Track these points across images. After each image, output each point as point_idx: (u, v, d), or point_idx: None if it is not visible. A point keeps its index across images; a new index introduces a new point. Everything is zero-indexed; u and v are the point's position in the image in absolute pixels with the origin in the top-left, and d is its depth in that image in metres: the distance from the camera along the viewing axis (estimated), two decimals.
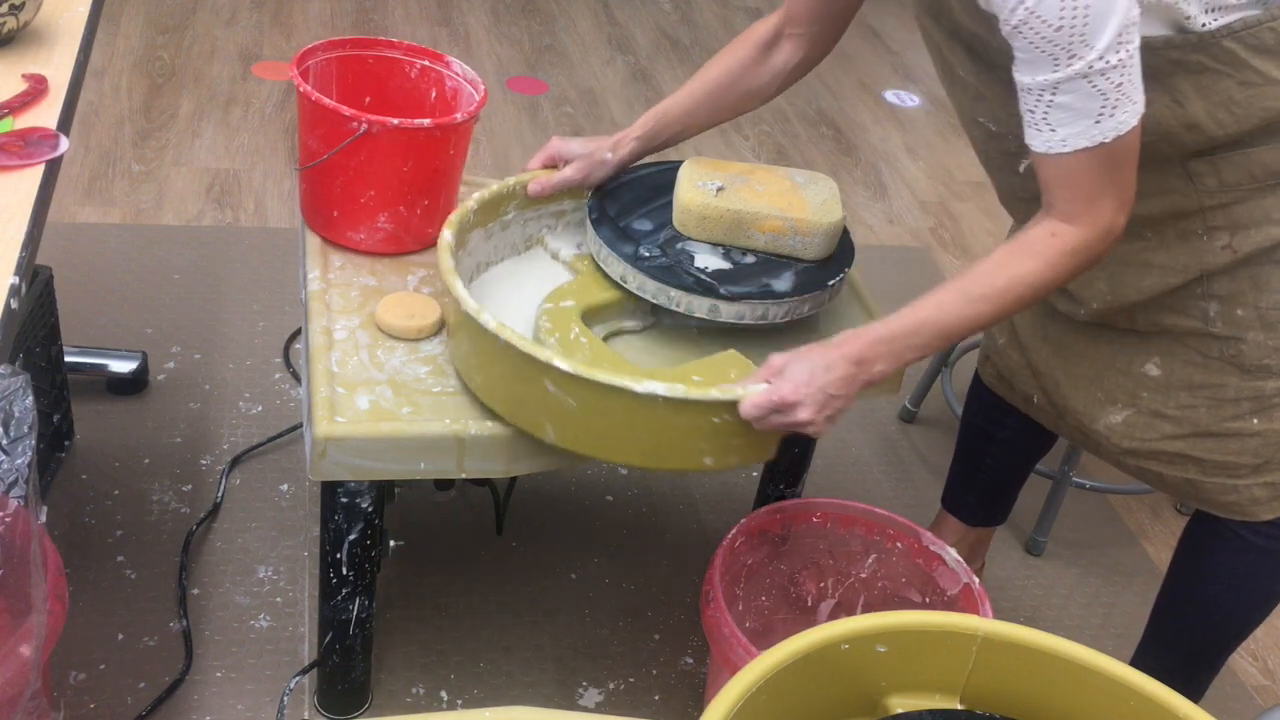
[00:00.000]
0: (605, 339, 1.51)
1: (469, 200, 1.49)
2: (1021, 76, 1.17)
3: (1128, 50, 1.13)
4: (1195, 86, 1.26)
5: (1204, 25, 1.23)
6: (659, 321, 1.57)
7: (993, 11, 1.17)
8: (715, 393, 1.28)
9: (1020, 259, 1.25)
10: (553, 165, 1.57)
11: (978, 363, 1.78)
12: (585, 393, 1.27)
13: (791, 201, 1.55)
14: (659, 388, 1.25)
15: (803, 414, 1.26)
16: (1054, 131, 1.18)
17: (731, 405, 1.28)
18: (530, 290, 1.55)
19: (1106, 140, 1.17)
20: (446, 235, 1.43)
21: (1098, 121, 1.16)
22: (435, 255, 1.63)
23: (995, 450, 1.85)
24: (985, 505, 1.92)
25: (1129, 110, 1.16)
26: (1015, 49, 1.16)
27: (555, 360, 1.26)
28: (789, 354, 1.30)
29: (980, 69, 1.34)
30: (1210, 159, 1.32)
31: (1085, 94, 1.14)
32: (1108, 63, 1.12)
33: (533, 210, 1.59)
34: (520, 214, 1.58)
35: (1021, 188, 1.45)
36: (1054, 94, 1.16)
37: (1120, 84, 1.14)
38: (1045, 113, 1.17)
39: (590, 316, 1.47)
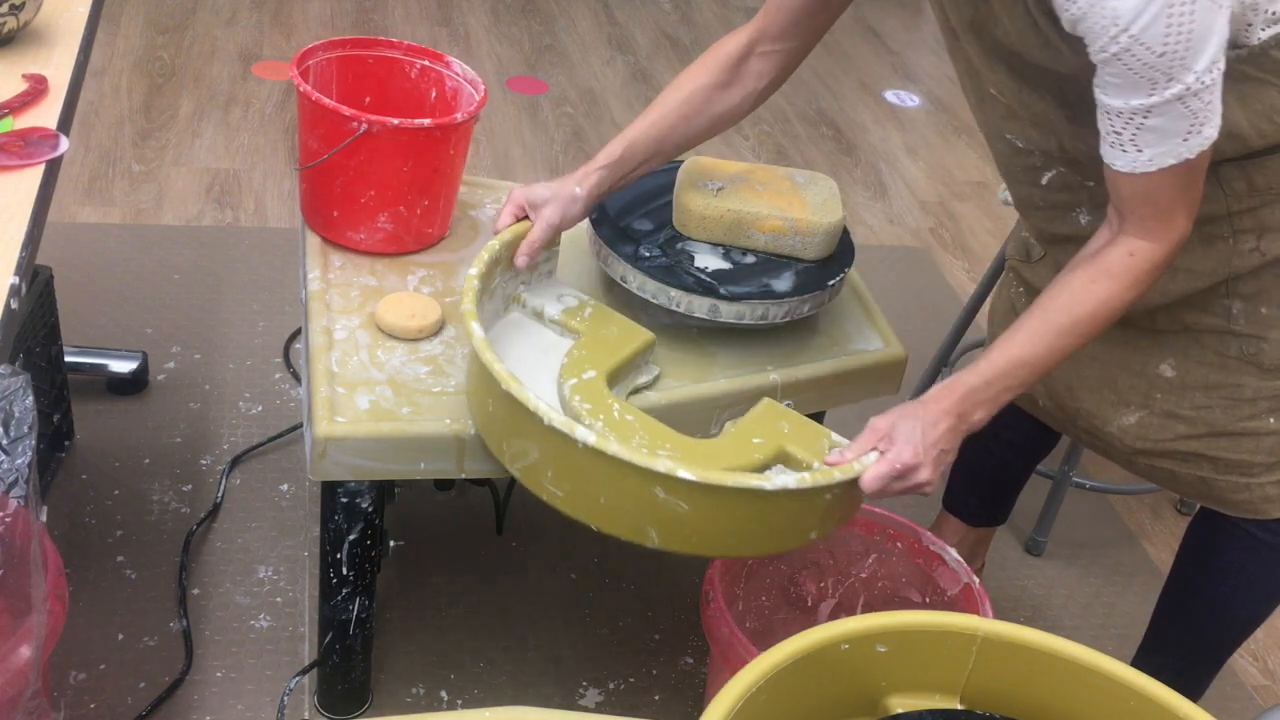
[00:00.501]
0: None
1: (471, 279, 1.35)
2: (1111, 100, 1.15)
3: (1219, 69, 1.11)
4: (1238, 96, 1.25)
5: (1258, 39, 1.22)
6: (658, 321, 1.57)
7: (1078, 34, 1.13)
8: (838, 474, 1.24)
9: (1102, 283, 1.24)
10: (522, 216, 1.45)
11: None
12: (703, 497, 1.20)
13: (791, 201, 1.56)
14: (789, 481, 1.21)
15: (924, 474, 1.24)
16: (1140, 152, 1.16)
17: (847, 481, 1.25)
18: (521, 354, 1.44)
19: (1191, 157, 1.16)
20: (478, 330, 1.28)
21: (1185, 140, 1.14)
22: (436, 256, 1.64)
23: (998, 451, 1.85)
24: (986, 505, 1.91)
25: (1213, 125, 1.15)
26: (1107, 74, 1.13)
27: (679, 471, 1.17)
28: (889, 416, 1.28)
29: (1020, 87, 1.32)
30: (1241, 164, 1.31)
31: (1177, 115, 1.13)
32: (1202, 83, 1.10)
33: (510, 270, 1.47)
34: (502, 277, 1.47)
35: (1041, 198, 1.44)
36: (1146, 117, 1.13)
37: (1210, 102, 1.13)
38: (1134, 135, 1.15)
39: (611, 381, 1.39)
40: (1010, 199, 2.02)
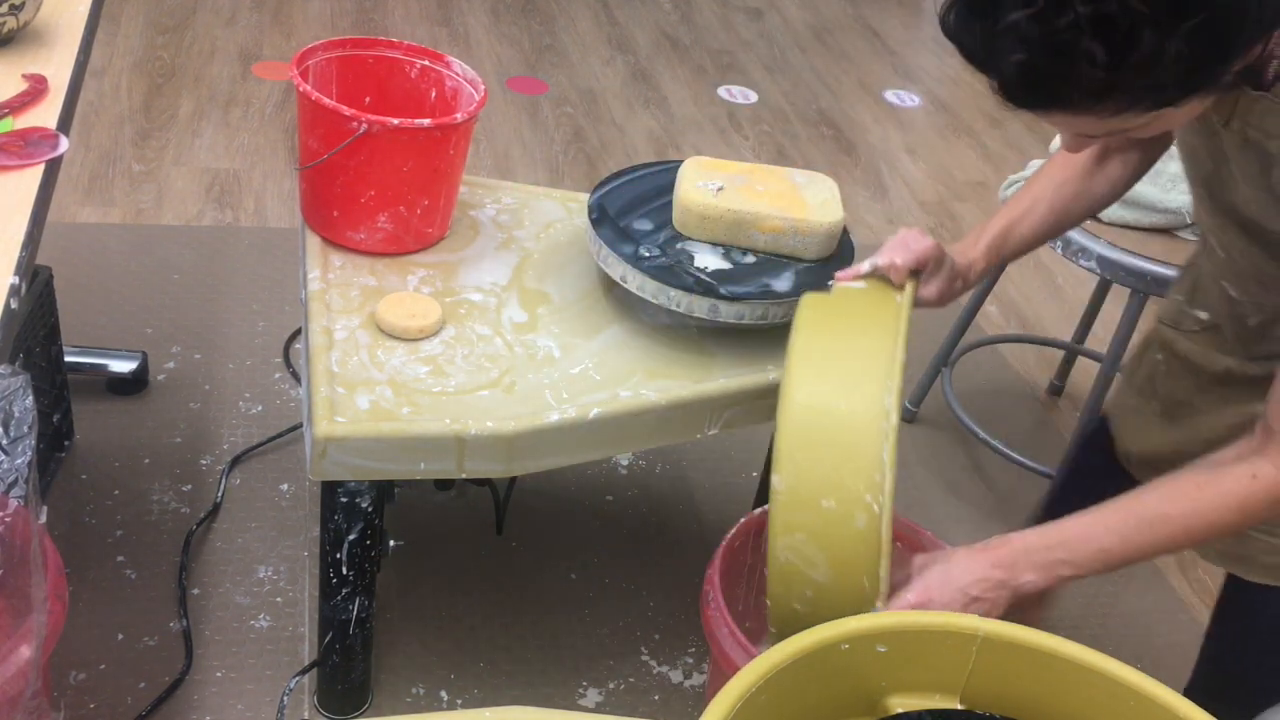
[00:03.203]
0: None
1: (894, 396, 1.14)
2: None
3: None
4: None
5: None
6: (658, 321, 1.57)
7: None
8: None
9: (1209, 494, 1.12)
10: (919, 268, 1.31)
11: (1104, 411, 1.66)
12: None
13: (791, 201, 1.56)
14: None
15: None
16: None
17: None
18: None
19: None
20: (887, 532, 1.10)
21: None
22: (436, 256, 1.64)
23: (1085, 501, 1.73)
24: None
25: None
26: None
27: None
28: (930, 556, 1.21)
29: (1249, 248, 1.24)
30: None
31: None
32: None
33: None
34: None
35: (1246, 331, 1.35)
36: None
37: None
38: None
39: None
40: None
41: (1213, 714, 1.59)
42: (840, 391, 1.17)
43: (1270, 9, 0.92)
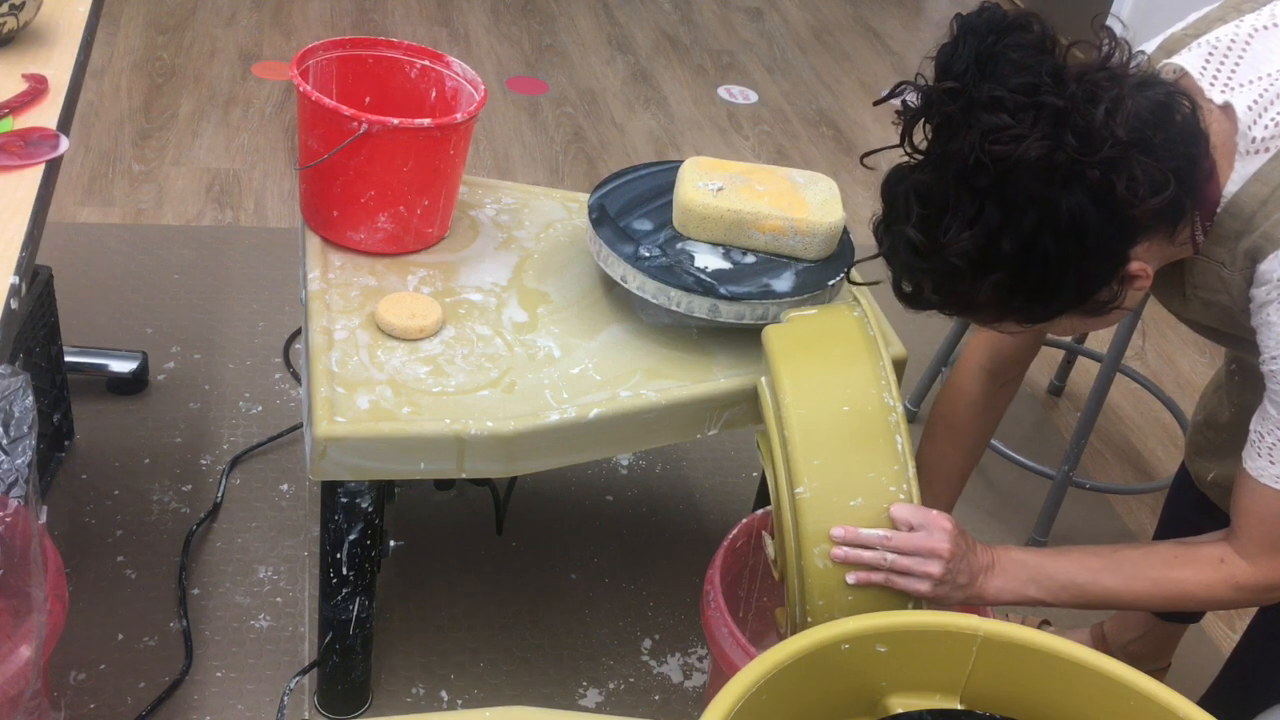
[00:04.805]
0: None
1: None
2: (1270, 407, 1.13)
3: None
4: None
5: None
6: (658, 321, 1.57)
7: (1254, 330, 1.12)
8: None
9: (1183, 565, 1.19)
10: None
11: (1185, 455, 1.68)
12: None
13: (791, 201, 1.56)
14: None
15: (933, 567, 1.17)
16: (1272, 464, 1.13)
17: None
18: None
19: None
20: None
21: None
22: (436, 256, 1.64)
23: None
24: None
25: None
26: (1270, 383, 1.12)
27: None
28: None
29: (1238, 347, 1.29)
30: None
31: None
32: None
33: None
34: None
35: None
36: None
37: None
38: (1274, 444, 1.12)
39: None
40: None
41: (1235, 713, 1.58)
42: (839, 397, 1.23)
43: (1098, 258, 1.06)
